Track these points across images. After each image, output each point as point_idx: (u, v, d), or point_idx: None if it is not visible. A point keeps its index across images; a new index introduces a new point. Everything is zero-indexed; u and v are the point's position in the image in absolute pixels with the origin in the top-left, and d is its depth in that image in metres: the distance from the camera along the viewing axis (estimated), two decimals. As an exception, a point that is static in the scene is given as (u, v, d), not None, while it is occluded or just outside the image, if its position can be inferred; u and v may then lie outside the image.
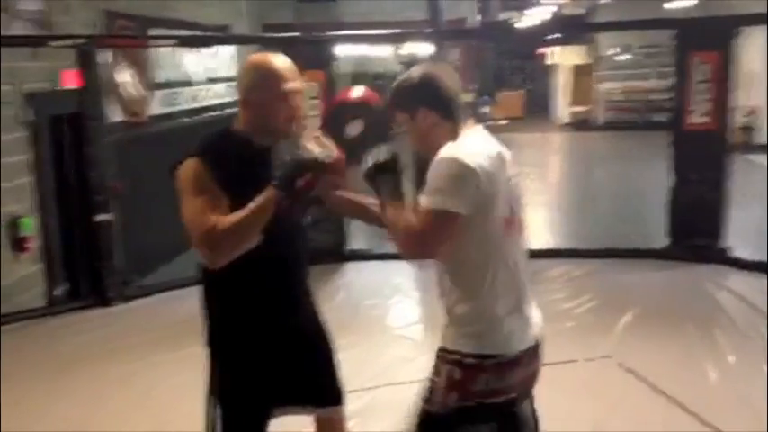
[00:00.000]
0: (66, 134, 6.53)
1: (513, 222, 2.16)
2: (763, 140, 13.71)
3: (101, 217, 5.49)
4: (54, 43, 5.37)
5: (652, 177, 8.74)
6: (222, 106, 10.46)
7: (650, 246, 6.37)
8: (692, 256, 5.95)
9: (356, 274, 6.33)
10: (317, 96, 6.08)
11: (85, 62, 5.39)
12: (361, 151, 2.30)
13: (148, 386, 4.27)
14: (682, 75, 5.89)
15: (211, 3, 10.03)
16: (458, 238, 2.06)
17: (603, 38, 17.56)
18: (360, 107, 2.37)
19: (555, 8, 15.81)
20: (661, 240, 6.27)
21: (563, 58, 19.05)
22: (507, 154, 2.20)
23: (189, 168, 2.24)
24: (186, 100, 9.39)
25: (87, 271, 6.61)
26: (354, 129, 2.34)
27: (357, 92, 2.42)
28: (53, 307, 5.81)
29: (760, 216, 6.48)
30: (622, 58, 17.99)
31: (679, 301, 5.33)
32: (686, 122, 5.86)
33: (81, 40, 5.45)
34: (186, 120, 9.15)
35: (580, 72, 18.60)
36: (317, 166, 2.16)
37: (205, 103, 9.88)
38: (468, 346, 2.11)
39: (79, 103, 5.48)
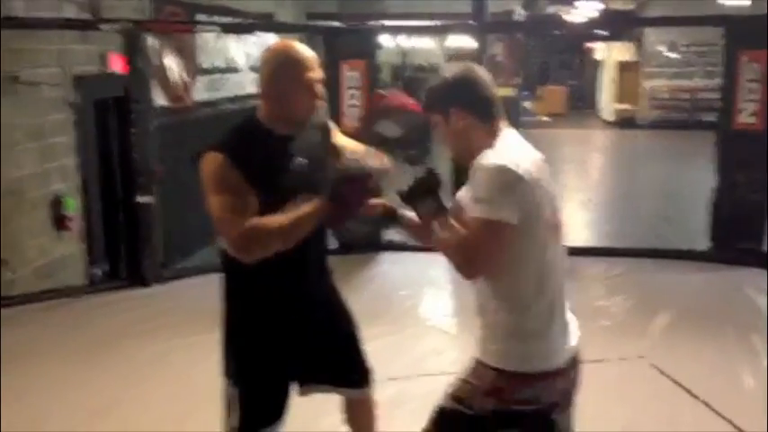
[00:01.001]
0: (111, 117, 6.66)
1: (557, 229, 2.10)
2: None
3: (142, 199, 5.56)
4: (102, 26, 5.45)
5: (696, 178, 8.61)
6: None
7: (691, 247, 6.26)
8: (734, 259, 5.82)
9: (391, 265, 6.34)
10: (358, 86, 6.08)
11: (132, 46, 5.47)
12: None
13: (185, 365, 4.32)
14: (730, 73, 5.75)
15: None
16: (518, 245, 1.98)
17: (651, 35, 17.25)
18: (400, 111, 2.34)
19: (602, 4, 15.60)
20: (702, 242, 6.17)
21: (610, 54, 18.77)
22: (542, 157, 2.12)
23: (213, 163, 2.22)
24: (230, 87, 9.48)
25: (126, 252, 6.76)
26: (393, 131, 2.32)
27: (398, 97, 2.39)
28: (92, 286, 5.92)
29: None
30: (669, 55, 17.65)
31: (717, 304, 5.23)
32: (734, 122, 5.73)
33: (128, 25, 5.52)
34: (230, 106, 9.25)
35: (626, 69, 18.31)
36: (366, 179, 2.19)
37: (248, 91, 9.96)
38: (513, 364, 2.04)
39: (125, 86, 5.56)
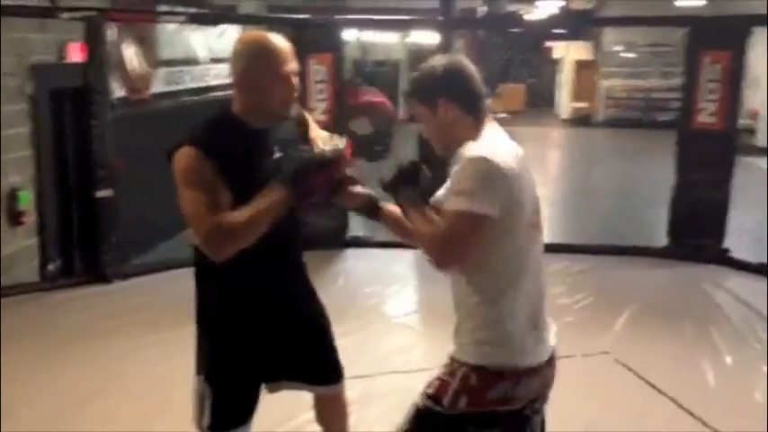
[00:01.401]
0: (68, 108, 6.49)
1: (537, 226, 2.07)
2: (763, 144, 13.70)
3: (102, 193, 5.42)
4: (63, 15, 5.29)
5: (652, 176, 8.75)
6: (226, 87, 10.40)
7: (650, 244, 6.36)
8: (692, 255, 5.93)
9: (356, 261, 6.32)
10: (325, 80, 6.03)
11: (93, 35, 5.33)
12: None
13: (157, 362, 4.25)
14: (691, 73, 5.85)
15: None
16: (495, 240, 1.96)
17: (609, 35, 17.50)
18: (373, 109, 2.29)
19: (563, 2, 15.75)
20: (659, 239, 6.27)
21: (567, 52, 18.99)
22: (523, 152, 2.10)
23: (186, 157, 2.18)
24: (190, 79, 9.33)
25: (82, 247, 6.60)
26: (366, 128, 2.28)
27: (368, 95, 2.35)
28: (53, 282, 5.77)
29: (757, 219, 6.46)
30: (626, 55, 17.92)
31: (677, 299, 5.32)
32: (694, 122, 5.83)
33: (90, 13, 5.37)
34: (189, 98, 9.10)
35: (583, 68, 18.55)
36: (325, 162, 2.13)
37: (209, 83, 9.81)
38: (487, 360, 2.01)
39: (84, 76, 5.42)
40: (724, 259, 5.92)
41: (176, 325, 4.65)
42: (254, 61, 2.22)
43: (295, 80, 2.28)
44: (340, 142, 2.20)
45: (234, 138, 2.24)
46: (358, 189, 2.24)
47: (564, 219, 8.74)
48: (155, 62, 8.23)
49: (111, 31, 6.11)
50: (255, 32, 2.34)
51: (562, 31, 17.61)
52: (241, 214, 2.10)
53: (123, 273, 5.70)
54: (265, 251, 2.24)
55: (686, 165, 5.97)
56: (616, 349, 4.41)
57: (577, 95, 18.59)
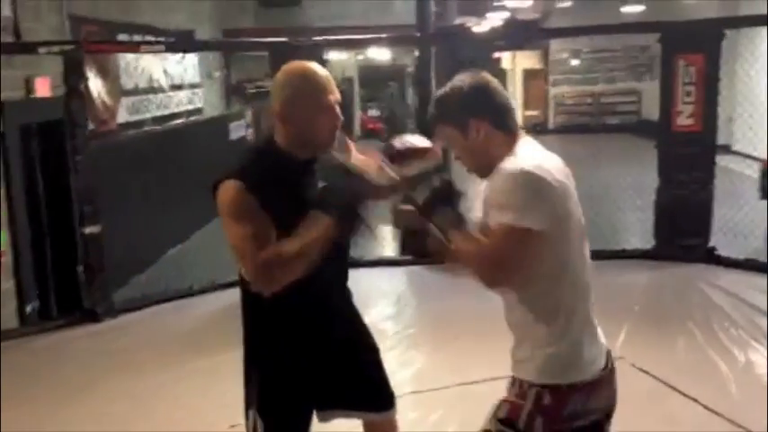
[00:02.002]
0: (36, 144, 6.29)
1: (584, 234, 2.04)
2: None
3: (89, 229, 5.26)
4: (41, 50, 5.13)
5: (617, 179, 8.87)
6: (189, 113, 10.29)
7: (625, 246, 6.47)
8: (680, 255, 6.03)
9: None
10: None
11: (71, 69, 5.17)
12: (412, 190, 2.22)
13: (160, 409, 4.12)
14: (667, 77, 5.98)
15: (175, 7, 9.82)
16: (546, 253, 1.91)
17: (556, 43, 17.87)
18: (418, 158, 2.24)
19: (508, 13, 16.02)
20: (635, 241, 6.36)
21: (515, 62, 19.30)
22: (564, 164, 2.06)
23: (230, 191, 2.13)
24: (153, 107, 9.17)
25: (59, 286, 6.39)
26: (412, 171, 2.23)
27: (416, 140, 2.30)
28: (40, 324, 5.59)
29: (729, 216, 6.56)
30: (573, 62, 18.31)
31: (676, 300, 5.39)
32: (673, 124, 5.95)
33: (68, 47, 5.22)
34: (153, 127, 8.94)
35: (531, 76, 18.88)
36: (376, 193, 2.11)
37: (172, 111, 9.67)
38: (557, 374, 1.97)
39: (66, 111, 5.25)
40: (712, 257, 6.03)
41: (175, 364, 4.60)
42: (297, 92, 2.18)
43: (338, 110, 2.24)
44: (387, 173, 2.16)
45: (278, 169, 2.20)
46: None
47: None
48: (119, 92, 8.07)
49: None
50: (298, 63, 2.29)
51: (509, 41, 17.81)
52: (291, 246, 2.06)
53: (113, 310, 5.51)
54: (313, 278, 2.18)
55: (668, 167, 6.07)
56: (630, 354, 4.42)
57: (528, 104, 18.90)
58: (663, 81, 6.07)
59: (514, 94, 19.42)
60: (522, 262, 1.89)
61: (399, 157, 2.24)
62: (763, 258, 5.84)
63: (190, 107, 10.37)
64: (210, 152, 10.05)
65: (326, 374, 2.43)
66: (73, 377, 4.52)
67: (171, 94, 9.72)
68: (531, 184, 1.87)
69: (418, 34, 6.37)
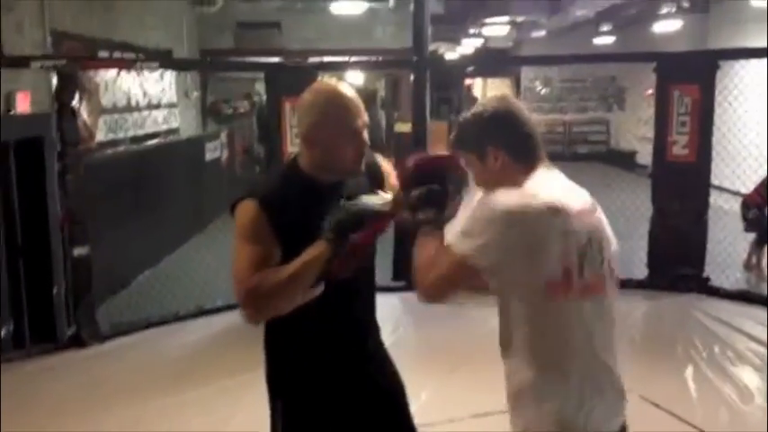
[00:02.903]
0: (12, 161, 6.04)
1: (571, 287, 1.80)
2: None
3: (78, 251, 5.05)
4: (35, 64, 4.93)
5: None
6: (165, 133, 10.08)
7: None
8: (673, 285, 6.02)
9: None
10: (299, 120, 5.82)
11: (65, 85, 4.99)
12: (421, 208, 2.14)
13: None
14: (661, 107, 6.01)
15: (154, 26, 9.66)
16: (506, 294, 1.83)
17: (528, 72, 18.06)
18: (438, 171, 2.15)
19: (481, 41, 16.17)
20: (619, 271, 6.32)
21: (486, 90, 19.47)
22: (587, 202, 1.92)
23: (245, 212, 2.08)
24: (131, 127, 8.94)
25: (32, 309, 6.12)
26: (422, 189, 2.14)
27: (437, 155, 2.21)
28: (23, 350, 5.29)
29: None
30: (543, 91, 18.52)
31: (676, 331, 5.36)
32: (667, 154, 5.97)
33: (62, 62, 5.04)
34: (131, 147, 8.71)
35: (504, 104, 19.02)
36: (374, 217, 2.03)
37: (149, 130, 9.46)
38: (545, 424, 1.82)
39: (59, 128, 5.06)
40: (705, 288, 6.04)
41: (169, 392, 4.43)
42: (323, 116, 2.09)
43: (365, 134, 2.15)
44: (385, 197, 2.09)
45: (300, 193, 2.11)
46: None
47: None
48: (98, 110, 7.85)
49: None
50: (325, 84, 2.20)
51: (480, 68, 17.96)
52: (277, 274, 1.98)
53: (100, 335, 5.29)
54: (338, 315, 2.16)
55: (662, 196, 6.09)
56: (637, 386, 4.35)
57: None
58: (657, 111, 6.11)
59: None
60: (454, 291, 1.86)
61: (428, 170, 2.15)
62: (754, 289, 5.88)
63: (166, 127, 10.16)
64: (186, 174, 9.91)
65: (353, 413, 2.31)
66: (61, 406, 4.31)
67: (148, 113, 9.51)
68: (496, 216, 1.77)
69: (415, 58, 6.28)
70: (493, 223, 1.76)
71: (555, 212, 1.79)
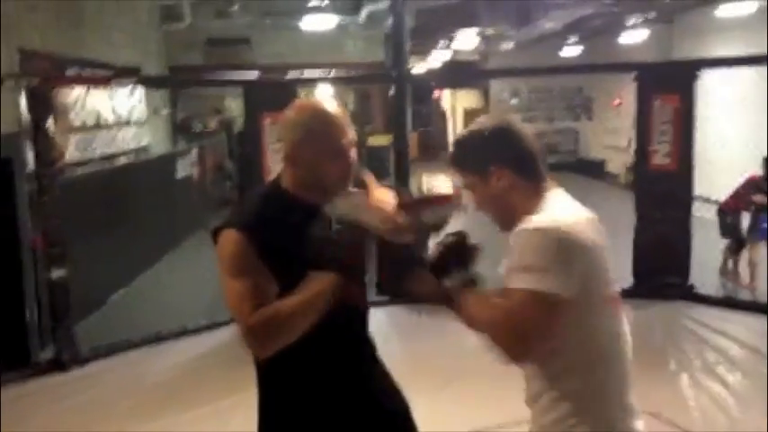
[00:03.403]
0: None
1: (615, 301, 1.79)
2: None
3: (56, 273, 4.89)
4: (8, 82, 4.78)
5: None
6: (136, 151, 9.89)
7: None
8: (659, 293, 6.02)
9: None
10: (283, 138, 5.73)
11: (38, 104, 4.84)
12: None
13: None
14: (643, 116, 6.04)
15: (122, 43, 9.49)
16: (560, 329, 1.69)
17: (496, 83, 18.17)
18: (443, 202, 2.07)
19: (450, 53, 16.24)
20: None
21: (455, 101, 19.57)
22: (596, 219, 1.83)
23: (229, 243, 1.94)
24: (101, 145, 8.75)
25: (3, 334, 5.93)
26: (437, 219, 2.06)
27: (442, 188, 2.14)
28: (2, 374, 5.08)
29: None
30: (511, 102, 18.63)
31: (668, 341, 5.35)
32: (649, 163, 5.99)
33: (35, 80, 4.88)
34: (100, 166, 8.52)
35: (472, 116, 19.11)
36: (360, 232, 1.93)
37: (119, 148, 9.27)
38: None
39: (34, 147, 4.91)
40: (690, 295, 6.06)
41: (158, 416, 4.30)
42: (308, 133, 1.99)
43: (352, 153, 2.04)
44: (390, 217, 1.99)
45: (284, 216, 2.00)
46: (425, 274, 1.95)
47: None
48: (68, 129, 7.65)
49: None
50: (309, 100, 2.13)
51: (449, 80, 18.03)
52: (285, 306, 1.87)
53: (80, 358, 5.13)
54: (334, 343, 2.04)
55: (645, 205, 6.11)
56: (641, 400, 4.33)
57: (469, 143, 19.10)
58: (638, 120, 6.14)
59: (455, 133, 19.67)
60: (545, 332, 1.66)
61: (417, 204, 2.07)
62: (732, 294, 5.89)
63: (136, 145, 9.98)
64: (157, 192, 9.74)
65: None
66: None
67: (117, 131, 9.33)
68: (558, 243, 1.65)
69: (395, 72, 6.25)
70: (555, 249, 1.65)
71: (594, 230, 1.76)
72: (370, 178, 2.29)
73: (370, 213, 1.99)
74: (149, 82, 7.34)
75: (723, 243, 7.15)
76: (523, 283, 1.63)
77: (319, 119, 2.00)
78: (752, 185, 6.96)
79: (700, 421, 4.04)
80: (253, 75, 7.34)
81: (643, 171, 6.12)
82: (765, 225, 6.89)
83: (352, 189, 2.09)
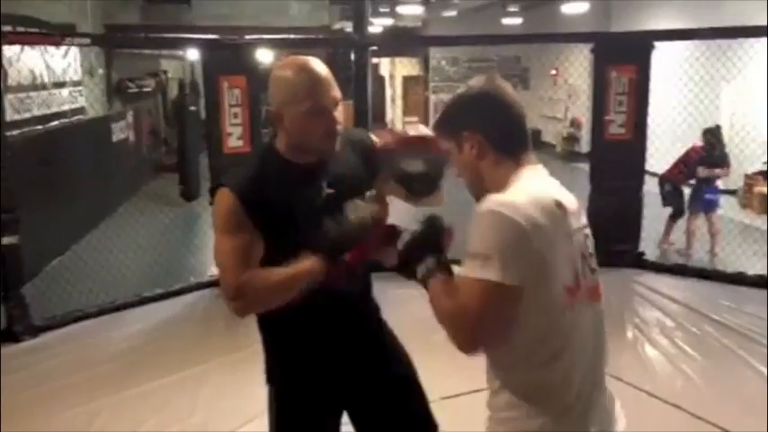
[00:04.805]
0: None
1: (579, 289, 1.64)
2: (585, 149, 14.80)
3: (7, 240, 4.65)
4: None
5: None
6: (71, 112, 9.48)
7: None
8: (610, 261, 6.14)
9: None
10: (239, 103, 5.59)
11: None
12: (424, 188, 2.05)
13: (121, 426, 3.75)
14: (599, 86, 6.11)
15: (56, 0, 9.02)
16: (510, 317, 1.60)
17: (436, 52, 18.16)
18: (420, 147, 2.05)
19: (390, 20, 16.12)
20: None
21: (396, 69, 19.47)
22: (571, 202, 1.71)
23: (222, 201, 1.99)
24: (35, 106, 8.34)
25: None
26: (417, 166, 2.04)
27: (417, 130, 2.12)
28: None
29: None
30: (451, 70, 18.68)
31: (621, 306, 5.47)
32: (605, 133, 6.09)
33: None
34: (36, 127, 8.13)
35: (411, 83, 19.10)
36: (362, 232, 1.94)
37: (54, 110, 8.87)
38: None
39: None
40: (641, 262, 6.23)
41: (115, 388, 4.17)
42: (288, 93, 1.97)
43: (337, 111, 2.01)
44: (371, 206, 1.99)
45: (276, 178, 2.02)
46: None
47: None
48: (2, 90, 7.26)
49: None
50: (293, 59, 2.03)
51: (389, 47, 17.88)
52: (269, 278, 1.93)
53: (33, 329, 4.92)
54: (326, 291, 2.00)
55: (599, 175, 6.22)
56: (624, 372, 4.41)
57: (408, 110, 19.09)
58: (595, 91, 6.21)
59: (394, 99, 19.63)
60: (490, 322, 1.57)
61: (396, 146, 2.06)
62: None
63: (72, 106, 9.56)
64: (92, 155, 9.38)
65: (350, 401, 2.26)
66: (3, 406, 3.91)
67: (53, 91, 8.92)
68: (511, 229, 1.54)
69: (357, 36, 6.14)
70: (499, 235, 1.54)
71: (562, 212, 1.63)
72: (376, 138, 2.27)
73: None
74: (103, 41, 6.96)
75: (665, 213, 7.38)
76: (469, 271, 1.56)
77: (300, 77, 1.96)
78: (692, 156, 7.19)
79: (665, 386, 4.15)
80: (202, 35, 7.07)
81: (598, 141, 6.21)
82: (708, 196, 7.15)
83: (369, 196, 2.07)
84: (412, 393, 2.31)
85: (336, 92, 2.00)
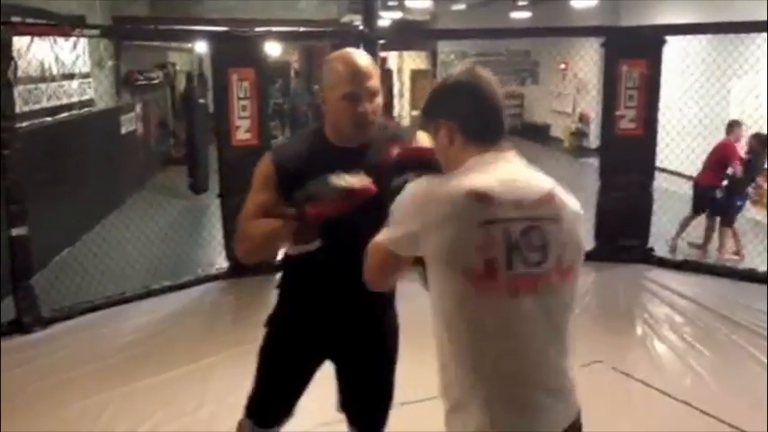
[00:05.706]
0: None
1: (496, 279, 1.57)
2: (596, 145, 14.73)
3: (17, 231, 4.66)
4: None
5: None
6: (82, 104, 9.48)
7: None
8: (619, 256, 6.14)
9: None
10: (248, 96, 5.58)
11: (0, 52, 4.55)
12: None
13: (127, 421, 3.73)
14: (609, 81, 6.08)
15: (66, -9, 9.01)
16: (433, 290, 1.64)
17: (444, 46, 18.09)
18: (414, 160, 2.06)
19: (401, 13, 16.06)
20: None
21: (404, 63, 19.41)
22: (541, 190, 1.66)
23: (261, 163, 2.26)
24: (44, 98, 8.34)
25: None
26: (398, 182, 2.06)
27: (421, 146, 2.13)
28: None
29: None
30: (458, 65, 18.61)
31: (630, 301, 5.48)
32: (615, 128, 6.05)
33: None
34: (45, 119, 8.13)
35: (419, 77, 19.04)
36: (327, 193, 2.02)
37: (63, 101, 8.86)
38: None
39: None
40: (650, 258, 6.20)
41: (124, 379, 4.18)
42: (328, 79, 2.19)
43: (375, 99, 2.16)
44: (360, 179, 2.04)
45: (311, 152, 2.23)
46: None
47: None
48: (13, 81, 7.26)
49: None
50: (343, 50, 2.23)
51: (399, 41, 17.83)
52: (257, 226, 2.15)
53: (42, 320, 4.93)
54: (332, 258, 2.14)
55: (609, 169, 6.19)
56: (607, 357, 4.42)
57: (415, 103, 19.04)
58: (605, 85, 6.18)
59: (402, 93, 19.56)
60: (382, 279, 1.85)
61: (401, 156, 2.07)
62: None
63: (80, 98, 9.56)
64: (101, 147, 9.39)
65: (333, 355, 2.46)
66: (10, 399, 3.95)
67: (63, 83, 8.91)
68: (419, 200, 1.64)
69: (366, 29, 6.11)
70: (407, 209, 1.67)
71: (476, 198, 1.58)
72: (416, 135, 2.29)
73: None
74: (115, 33, 6.94)
75: (674, 208, 7.27)
76: (381, 234, 1.73)
77: (340, 66, 2.16)
78: (728, 155, 6.61)
79: (674, 383, 4.13)
80: (211, 27, 7.04)
81: (609, 136, 6.17)
82: (739, 203, 6.84)
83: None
84: (384, 372, 2.47)
85: (374, 83, 2.16)
